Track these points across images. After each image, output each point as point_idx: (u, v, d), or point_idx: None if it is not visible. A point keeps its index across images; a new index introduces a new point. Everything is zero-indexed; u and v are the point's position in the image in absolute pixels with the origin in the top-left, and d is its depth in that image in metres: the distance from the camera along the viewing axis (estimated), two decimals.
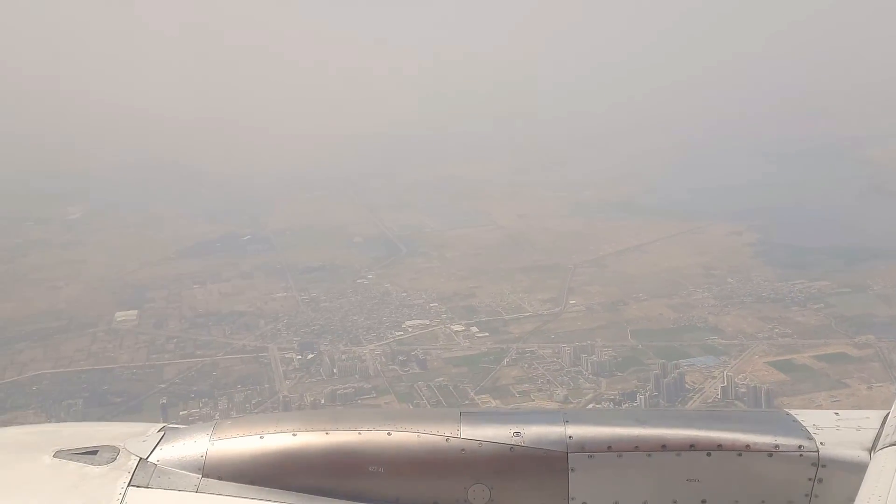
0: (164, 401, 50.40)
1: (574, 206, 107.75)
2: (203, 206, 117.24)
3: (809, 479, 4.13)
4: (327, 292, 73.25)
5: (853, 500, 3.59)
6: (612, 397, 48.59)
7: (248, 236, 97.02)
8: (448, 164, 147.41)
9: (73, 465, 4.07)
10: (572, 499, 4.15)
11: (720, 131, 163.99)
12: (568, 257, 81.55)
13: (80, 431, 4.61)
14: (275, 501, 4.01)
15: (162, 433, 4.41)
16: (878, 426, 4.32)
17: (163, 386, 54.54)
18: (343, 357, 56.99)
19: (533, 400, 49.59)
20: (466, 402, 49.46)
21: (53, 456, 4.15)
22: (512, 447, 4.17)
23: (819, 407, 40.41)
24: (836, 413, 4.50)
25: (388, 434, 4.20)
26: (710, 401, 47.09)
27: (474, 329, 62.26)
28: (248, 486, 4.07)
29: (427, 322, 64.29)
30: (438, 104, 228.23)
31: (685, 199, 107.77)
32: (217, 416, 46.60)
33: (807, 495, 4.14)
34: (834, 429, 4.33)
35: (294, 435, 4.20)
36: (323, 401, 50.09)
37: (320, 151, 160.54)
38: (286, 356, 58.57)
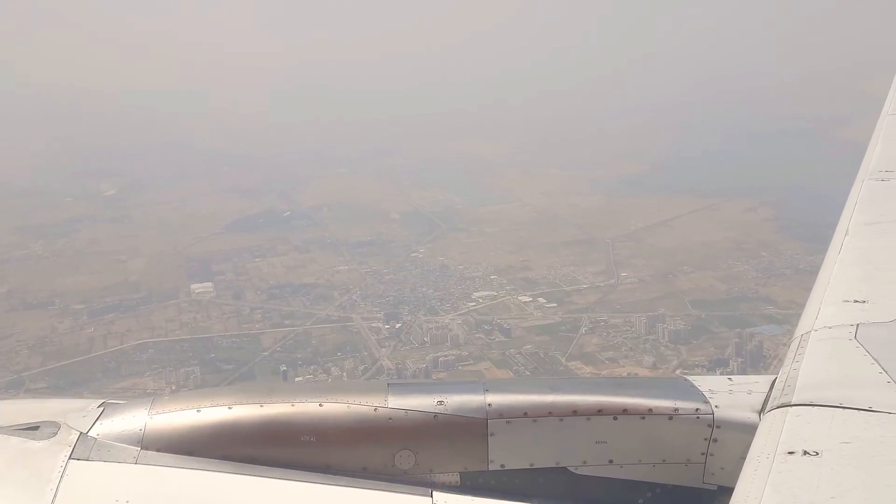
0: (285, 368, 51.16)
1: (590, 183, 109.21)
2: (229, 183, 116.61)
3: (705, 440, 4.35)
4: (386, 266, 74.08)
5: (744, 458, 3.70)
6: (701, 363, 50.49)
7: (288, 212, 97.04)
8: (456, 142, 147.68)
9: (13, 441, 4.03)
10: (491, 461, 4.32)
11: (707, 109, 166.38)
12: (602, 232, 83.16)
13: (21, 408, 4.54)
14: (212, 471, 4.04)
15: (102, 408, 4.39)
16: (766, 390, 4.49)
17: (265, 353, 55.30)
18: (429, 326, 58.17)
19: (623, 366, 51.39)
20: (561, 367, 51.09)
21: None
22: (436, 415, 4.29)
23: None
24: (730, 378, 4.70)
25: (320, 405, 4.26)
26: None
27: (541, 300, 63.74)
28: (186, 457, 4.09)
29: (494, 293, 65.58)
30: (433, 85, 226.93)
31: (692, 177, 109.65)
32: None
33: (703, 454, 4.36)
34: (727, 393, 4.52)
35: (229, 408, 4.23)
36: (425, 366, 51.33)
37: (328, 132, 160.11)
38: (373, 325, 59.55)
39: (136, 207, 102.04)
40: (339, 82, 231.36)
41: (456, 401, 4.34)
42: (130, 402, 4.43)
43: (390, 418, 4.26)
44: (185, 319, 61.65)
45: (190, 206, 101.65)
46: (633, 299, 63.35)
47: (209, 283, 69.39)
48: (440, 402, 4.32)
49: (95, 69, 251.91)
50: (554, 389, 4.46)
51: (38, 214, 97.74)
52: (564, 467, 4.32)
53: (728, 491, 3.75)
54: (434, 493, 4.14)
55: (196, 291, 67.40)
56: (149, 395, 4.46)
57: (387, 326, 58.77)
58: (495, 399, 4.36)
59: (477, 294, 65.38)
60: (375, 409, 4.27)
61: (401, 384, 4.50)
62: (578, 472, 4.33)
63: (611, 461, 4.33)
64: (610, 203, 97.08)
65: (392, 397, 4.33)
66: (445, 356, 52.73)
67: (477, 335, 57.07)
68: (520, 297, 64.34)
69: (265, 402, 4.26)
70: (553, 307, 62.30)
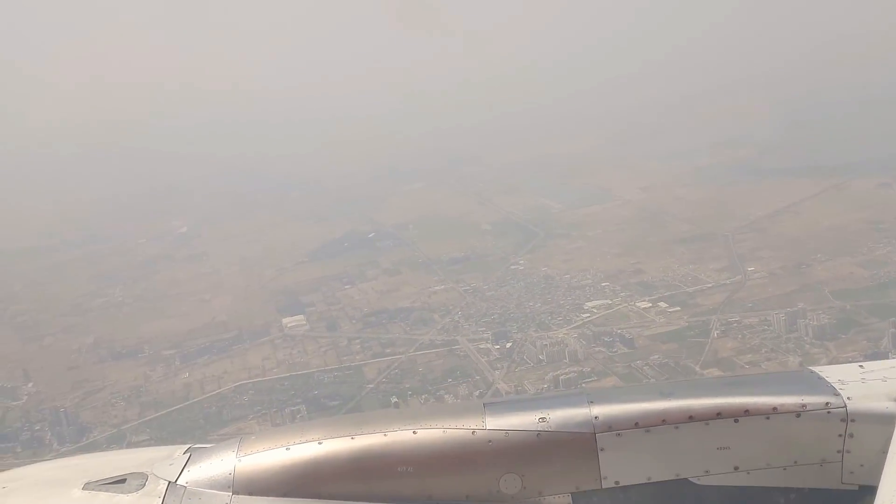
0: (395, 399, 51.36)
1: (694, 173, 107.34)
2: (301, 209, 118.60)
3: (840, 436, 4.19)
4: (485, 281, 73.89)
5: (886, 452, 3.64)
6: (855, 360, 48.52)
7: (372, 234, 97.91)
8: (533, 143, 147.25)
9: (103, 496, 4.12)
10: (605, 478, 4.23)
11: (810, 81, 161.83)
12: (718, 225, 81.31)
13: (106, 461, 4.65)
14: None
15: (188, 454, 4.46)
16: None
17: (371, 386, 55.63)
18: (543, 343, 57.61)
19: (764, 370, 49.82)
20: (695, 376, 49.82)
21: (83, 489, 4.20)
22: (539, 433, 4.24)
23: None
24: (861, 366, 4.57)
25: (414, 433, 4.26)
26: None
27: (662, 304, 62.52)
28: (279, 498, 4.14)
29: (609, 302, 64.66)
30: (490, 86, 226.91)
31: (808, 156, 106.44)
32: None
33: (839, 451, 4.20)
34: (860, 382, 4.37)
35: (319, 443, 4.28)
36: (546, 386, 50.76)
37: (395, 147, 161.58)
38: (481, 347, 59.32)
39: (211, 243, 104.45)
40: (394, 96, 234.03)
41: (559, 416, 4.30)
42: (217, 446, 4.54)
43: (490, 441, 4.23)
44: (281, 357, 62.56)
45: (267, 237, 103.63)
46: (766, 295, 61.55)
47: (301, 316, 70.37)
48: (542, 419, 4.29)
49: (145, 102, 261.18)
50: (665, 395, 4.39)
51: (112, 259, 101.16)
52: (686, 479, 4.23)
53: (872, 490, 3.71)
54: None
55: (288, 326, 68.42)
56: (235, 437, 4.46)
57: (496, 347, 58.49)
58: (602, 410, 4.31)
59: (590, 304, 64.58)
60: (473, 433, 4.25)
61: (498, 402, 4.52)
62: (701, 482, 4.23)
63: (736, 468, 4.23)
64: (720, 192, 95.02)
65: (490, 418, 4.31)
66: (566, 374, 52.10)
67: (597, 349, 56.28)
68: (638, 304, 63.28)
69: (356, 434, 4.30)
70: (677, 311, 61.05)
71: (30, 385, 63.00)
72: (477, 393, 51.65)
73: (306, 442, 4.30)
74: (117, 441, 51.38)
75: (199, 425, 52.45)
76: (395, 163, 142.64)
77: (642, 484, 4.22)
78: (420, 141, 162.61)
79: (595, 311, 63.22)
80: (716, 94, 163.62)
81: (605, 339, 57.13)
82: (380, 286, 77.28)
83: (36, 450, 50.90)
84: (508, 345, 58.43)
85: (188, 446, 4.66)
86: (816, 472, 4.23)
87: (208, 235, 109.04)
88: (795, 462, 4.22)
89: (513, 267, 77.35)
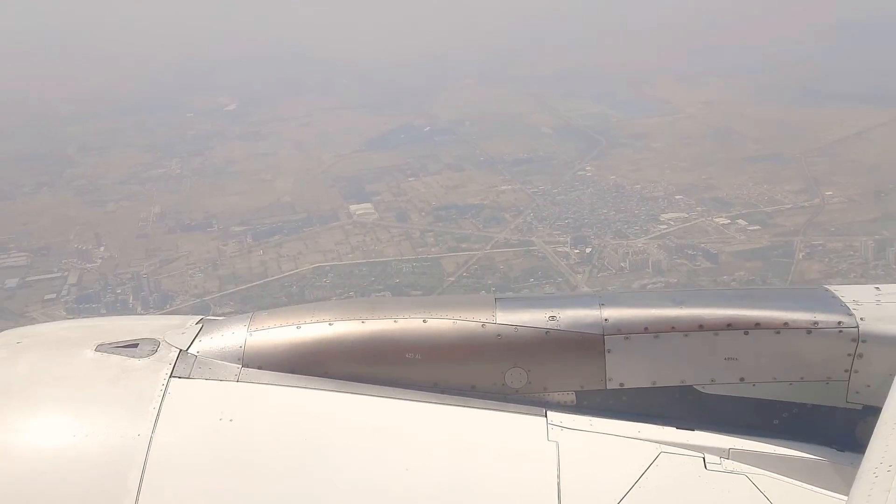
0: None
1: (756, 92, 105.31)
2: (350, 97, 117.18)
3: (849, 355, 4.17)
4: (553, 185, 73.29)
5: (894, 374, 3.68)
6: None
7: (428, 128, 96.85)
8: (590, 50, 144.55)
9: (115, 359, 4.15)
10: (609, 379, 4.24)
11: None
12: (788, 147, 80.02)
13: (120, 325, 4.69)
14: (313, 388, 4.12)
15: (200, 325, 4.49)
16: None
17: (451, 279, 55.73)
18: (624, 251, 57.44)
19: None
20: None
21: (95, 350, 4.22)
22: (548, 331, 4.25)
23: None
24: (877, 287, 4.50)
25: (424, 321, 4.28)
26: None
27: (741, 222, 62.03)
28: (287, 374, 4.17)
29: (685, 215, 64.15)
30: None
31: (883, 83, 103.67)
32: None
33: (846, 371, 4.19)
34: (874, 304, 4.32)
35: (330, 324, 4.30)
36: None
37: (440, 39, 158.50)
38: (559, 250, 59.17)
39: (263, 124, 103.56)
40: None
41: (569, 315, 4.29)
42: (229, 319, 4.55)
43: (499, 334, 4.24)
44: (355, 243, 62.51)
45: (319, 122, 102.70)
46: (847, 220, 60.97)
47: (368, 204, 70.09)
48: (552, 318, 4.28)
49: None
50: (677, 303, 4.34)
51: (162, 131, 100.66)
52: (690, 386, 4.26)
53: (875, 410, 3.84)
54: (548, 412, 4.16)
55: (357, 213, 68.14)
56: (247, 313, 4.49)
57: (576, 251, 58.25)
58: (612, 313, 4.28)
59: (665, 216, 64.06)
60: (483, 325, 4.26)
61: (510, 298, 4.48)
62: (706, 390, 4.26)
63: (742, 379, 4.24)
64: (786, 113, 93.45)
65: (500, 312, 4.30)
66: (653, 283, 52.00)
67: (679, 261, 56.10)
68: (715, 219, 62.80)
69: (367, 319, 4.31)
70: (757, 230, 60.62)
71: (101, 249, 63.21)
72: None
73: (317, 322, 4.32)
74: (202, 312, 51.57)
75: (283, 303, 52.58)
76: (442, 56, 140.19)
77: (647, 387, 4.26)
78: (467, 35, 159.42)
79: (672, 223, 62.74)
80: (777, 9, 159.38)
81: (688, 252, 56.85)
82: (444, 181, 76.67)
83: (121, 313, 51.22)
84: (588, 250, 58.19)
85: (200, 318, 4.66)
86: (822, 389, 4.24)
87: (258, 115, 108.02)
88: (802, 378, 4.24)
89: (580, 173, 76.56)
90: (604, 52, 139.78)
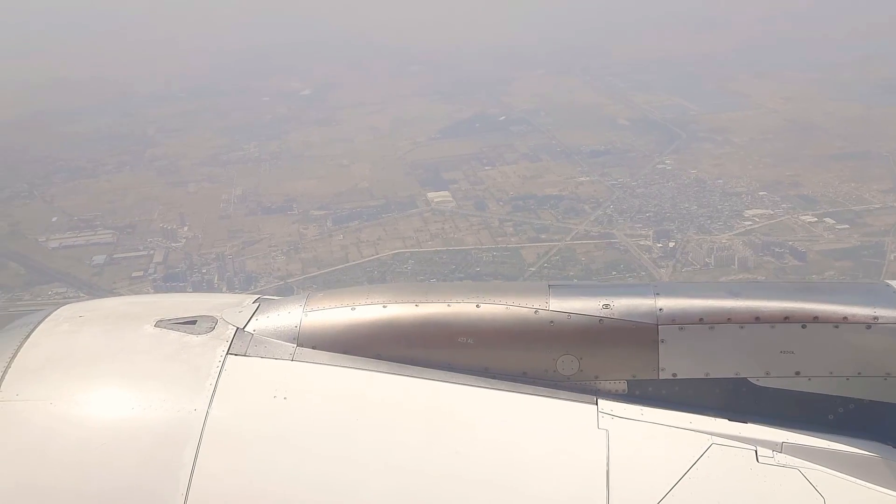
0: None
1: (839, 88, 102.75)
2: (423, 85, 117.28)
3: None
4: (632, 177, 72.50)
5: None
6: None
7: (503, 117, 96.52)
8: (665, 41, 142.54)
9: (173, 335, 4.20)
10: (662, 369, 4.19)
11: None
12: (874, 144, 77.94)
13: (179, 302, 4.74)
14: (366, 369, 4.13)
15: (257, 304, 4.51)
16: None
17: (533, 269, 55.53)
18: (709, 246, 56.63)
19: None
20: None
21: (155, 325, 4.26)
22: (601, 319, 4.23)
23: None
24: None
25: (477, 306, 4.28)
26: None
27: (828, 220, 60.76)
28: (341, 355, 4.20)
29: (770, 212, 63.03)
30: None
31: None
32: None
33: None
34: None
35: (384, 307, 4.32)
36: None
37: (512, 29, 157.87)
38: (641, 244, 58.59)
39: (338, 109, 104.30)
40: None
41: (623, 304, 4.27)
42: (285, 299, 4.61)
43: (552, 321, 4.25)
44: (434, 230, 62.66)
45: (393, 110, 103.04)
46: None
47: (446, 192, 70.18)
48: (606, 306, 4.27)
49: None
50: (733, 294, 4.31)
51: (238, 114, 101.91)
52: (745, 378, 4.21)
53: None
54: (599, 400, 4.15)
55: (434, 201, 68.28)
56: (303, 293, 4.56)
57: (659, 245, 57.61)
58: (667, 303, 4.25)
59: (750, 212, 63.03)
60: (536, 312, 4.26)
61: (564, 285, 4.48)
62: (760, 383, 4.22)
63: (797, 373, 4.20)
64: (870, 111, 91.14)
65: (554, 300, 4.31)
66: (740, 281, 51.13)
67: (766, 258, 55.14)
68: (802, 217, 61.58)
69: (420, 302, 4.35)
70: (845, 229, 59.30)
71: (185, 228, 64.37)
72: None
73: (372, 304, 4.37)
74: (286, 292, 52.31)
75: None
76: (514, 45, 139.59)
77: (700, 378, 4.23)
78: (537, 25, 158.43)
79: (756, 219, 61.75)
80: (858, 2, 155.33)
81: (775, 250, 55.80)
82: (521, 171, 76.38)
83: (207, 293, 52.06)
84: (671, 244, 57.53)
85: (257, 297, 4.72)
86: (880, 385, 4.18)
87: (332, 102, 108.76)
88: (859, 373, 4.18)
89: (659, 166, 75.56)
90: (679, 44, 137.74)
